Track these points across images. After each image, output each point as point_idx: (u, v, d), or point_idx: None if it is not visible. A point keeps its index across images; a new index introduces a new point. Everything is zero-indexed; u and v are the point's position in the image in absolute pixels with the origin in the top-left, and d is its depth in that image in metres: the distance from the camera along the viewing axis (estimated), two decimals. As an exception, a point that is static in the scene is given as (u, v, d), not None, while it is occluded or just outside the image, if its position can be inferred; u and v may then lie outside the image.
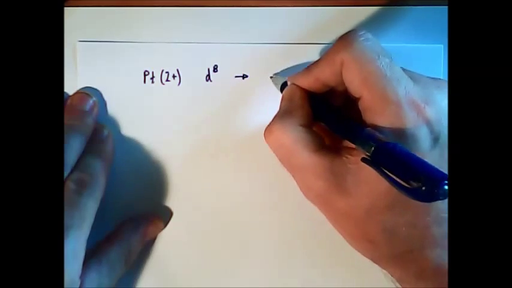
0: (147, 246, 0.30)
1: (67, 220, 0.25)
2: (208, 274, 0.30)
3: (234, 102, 0.30)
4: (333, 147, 0.26)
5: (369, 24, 0.30)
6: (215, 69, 0.30)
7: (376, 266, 0.26)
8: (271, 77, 0.30)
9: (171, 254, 0.30)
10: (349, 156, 0.25)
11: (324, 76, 0.26)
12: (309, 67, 0.26)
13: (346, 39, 0.25)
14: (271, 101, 0.30)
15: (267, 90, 0.30)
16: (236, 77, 0.30)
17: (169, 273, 0.30)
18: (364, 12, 0.30)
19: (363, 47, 0.24)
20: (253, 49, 0.30)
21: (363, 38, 0.25)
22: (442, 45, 0.30)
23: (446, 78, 0.29)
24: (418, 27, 0.30)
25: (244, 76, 0.30)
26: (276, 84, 0.29)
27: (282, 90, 0.28)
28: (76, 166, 0.27)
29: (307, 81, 0.26)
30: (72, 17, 0.30)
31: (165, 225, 0.30)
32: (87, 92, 0.30)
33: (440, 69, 0.30)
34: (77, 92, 0.30)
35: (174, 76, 0.30)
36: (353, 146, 0.24)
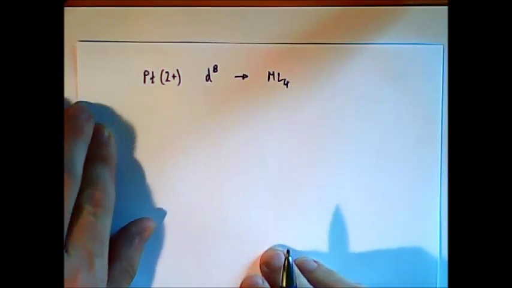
0: (145, 247, 0.30)
1: (92, 248, 0.25)
2: (206, 274, 0.30)
3: (234, 102, 0.30)
4: None
5: (369, 24, 0.30)
6: (215, 69, 0.30)
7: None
8: None
9: (170, 254, 0.31)
10: None
11: None
12: None
13: None
14: (271, 101, 0.30)
15: (267, 90, 0.30)
16: (236, 77, 0.30)
17: (166, 273, 0.31)
18: (364, 12, 0.30)
19: None
20: (253, 49, 0.30)
21: None
22: (442, 45, 0.30)
23: (446, 78, 0.29)
24: (418, 27, 0.30)
25: (244, 76, 0.30)
26: None
27: None
28: (84, 181, 0.27)
29: None
30: (72, 17, 0.30)
31: (158, 224, 0.30)
32: (82, 105, 0.29)
33: (440, 69, 0.30)
34: (72, 106, 0.30)
35: (174, 76, 0.30)
36: None
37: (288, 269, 0.27)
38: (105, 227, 0.27)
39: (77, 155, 0.27)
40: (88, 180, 0.27)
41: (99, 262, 0.26)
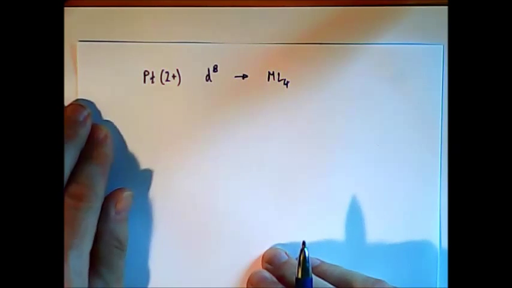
0: (141, 247, 0.30)
1: (66, 239, 0.25)
2: (207, 273, 0.31)
3: (234, 102, 0.30)
4: None
5: (369, 24, 0.30)
6: (215, 69, 0.30)
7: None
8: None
9: (171, 253, 0.31)
10: None
11: None
12: None
13: None
14: (271, 101, 0.30)
15: (267, 90, 0.30)
16: (236, 77, 0.30)
17: (166, 273, 0.31)
18: (364, 12, 0.30)
19: None
20: (253, 49, 0.30)
21: None
22: (442, 45, 0.30)
23: (446, 78, 0.29)
24: (418, 27, 0.30)
25: (244, 76, 0.30)
26: None
27: None
28: (71, 177, 0.27)
29: None
30: (72, 17, 0.30)
31: (158, 225, 0.30)
32: (81, 104, 0.30)
33: (440, 69, 0.30)
34: (71, 104, 0.30)
35: (174, 76, 0.30)
36: None
37: (304, 261, 0.27)
38: (86, 221, 0.26)
39: (66, 156, 0.27)
40: (75, 177, 0.27)
41: (74, 254, 0.25)
